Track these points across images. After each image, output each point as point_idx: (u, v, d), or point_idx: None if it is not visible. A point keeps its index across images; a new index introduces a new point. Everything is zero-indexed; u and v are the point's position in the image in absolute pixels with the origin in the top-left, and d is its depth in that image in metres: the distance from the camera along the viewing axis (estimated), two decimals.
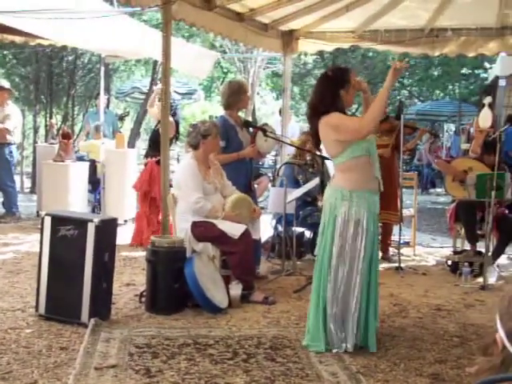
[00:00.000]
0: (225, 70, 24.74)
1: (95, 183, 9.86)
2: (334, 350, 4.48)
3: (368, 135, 4.46)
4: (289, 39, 9.39)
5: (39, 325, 4.90)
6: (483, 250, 6.85)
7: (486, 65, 20.38)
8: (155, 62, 18.49)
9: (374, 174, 4.54)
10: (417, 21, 8.75)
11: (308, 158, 7.83)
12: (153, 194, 7.85)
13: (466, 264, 6.83)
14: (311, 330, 4.59)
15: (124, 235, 8.03)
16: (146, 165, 8.18)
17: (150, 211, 7.95)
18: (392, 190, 7.29)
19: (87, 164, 9.98)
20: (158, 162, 7.68)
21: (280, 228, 7.51)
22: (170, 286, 5.33)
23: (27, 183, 12.33)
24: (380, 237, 7.68)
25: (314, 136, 4.71)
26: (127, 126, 20.83)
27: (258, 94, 25.01)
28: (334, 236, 4.47)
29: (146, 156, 8.28)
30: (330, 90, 4.53)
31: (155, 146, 7.86)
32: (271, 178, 11.28)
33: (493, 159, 7.00)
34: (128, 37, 8.43)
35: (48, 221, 5.00)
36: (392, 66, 4.45)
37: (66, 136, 9.87)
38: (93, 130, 10.53)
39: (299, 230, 7.49)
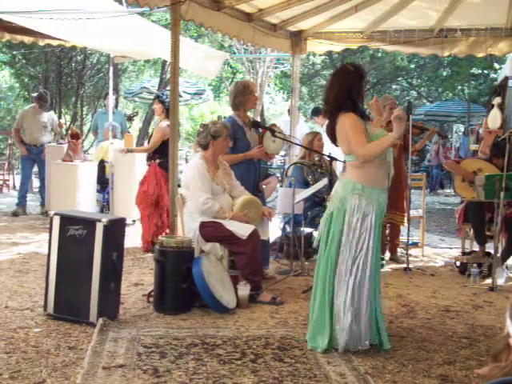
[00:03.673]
0: (234, 70, 24.76)
1: (104, 183, 9.89)
2: (340, 348, 4.48)
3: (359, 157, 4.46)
4: (297, 39, 9.40)
5: (48, 324, 4.92)
6: (492, 251, 6.82)
7: (496, 65, 20.31)
8: (164, 62, 18.56)
9: (388, 170, 4.55)
10: (426, 21, 8.74)
11: (316, 158, 7.83)
12: (154, 197, 7.77)
13: (475, 265, 6.81)
14: (313, 326, 4.57)
15: (132, 235, 8.05)
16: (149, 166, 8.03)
17: (155, 212, 7.80)
18: (399, 190, 7.28)
19: (96, 164, 10.01)
20: (159, 165, 7.71)
21: (288, 228, 7.51)
22: (178, 286, 5.34)
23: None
24: (388, 237, 7.70)
25: (331, 130, 4.63)
26: (136, 125, 20.90)
27: (267, 93, 25.02)
28: (342, 229, 4.47)
29: (149, 159, 8.11)
30: (355, 83, 4.56)
31: (154, 149, 7.89)
32: (280, 179, 11.28)
33: (501, 162, 6.97)
34: (137, 37, 8.44)
35: (57, 220, 5.02)
36: (392, 117, 4.42)
37: (75, 136, 9.91)
38: (104, 131, 10.55)
39: (307, 230, 7.49)
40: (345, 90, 4.53)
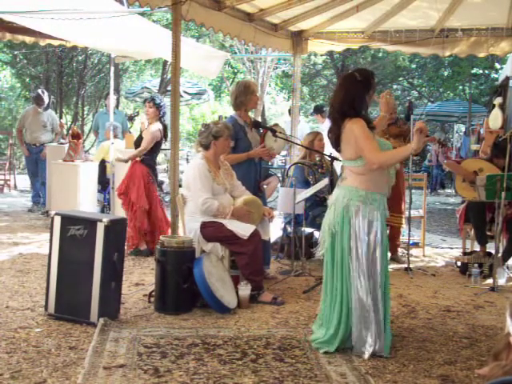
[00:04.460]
0: (234, 70, 24.76)
1: (104, 183, 9.89)
2: (357, 351, 4.47)
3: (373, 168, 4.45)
4: (298, 39, 9.40)
5: (48, 324, 4.92)
6: (493, 251, 6.82)
7: (497, 65, 20.31)
8: (165, 62, 18.55)
9: (389, 178, 4.56)
10: (427, 21, 8.74)
11: (317, 158, 7.83)
12: (132, 198, 7.55)
13: (476, 265, 6.81)
14: (327, 332, 4.55)
15: None
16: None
17: (130, 217, 7.51)
18: (396, 192, 7.27)
19: (96, 164, 10.01)
20: (141, 161, 7.62)
21: (289, 228, 7.51)
22: (178, 286, 5.34)
23: None
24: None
25: (335, 134, 4.63)
26: (137, 125, 20.87)
27: (268, 93, 25.01)
28: (350, 236, 4.47)
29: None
30: (360, 93, 4.54)
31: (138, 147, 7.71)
32: (280, 179, 11.28)
33: (502, 162, 6.96)
34: (138, 37, 8.44)
35: (57, 220, 5.02)
36: (415, 128, 4.41)
37: (76, 136, 9.90)
38: (106, 130, 10.53)
39: (308, 230, 7.49)
40: (349, 99, 4.53)
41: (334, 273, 4.55)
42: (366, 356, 4.41)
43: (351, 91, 4.56)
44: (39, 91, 11.28)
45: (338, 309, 4.53)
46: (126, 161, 7.83)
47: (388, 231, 7.58)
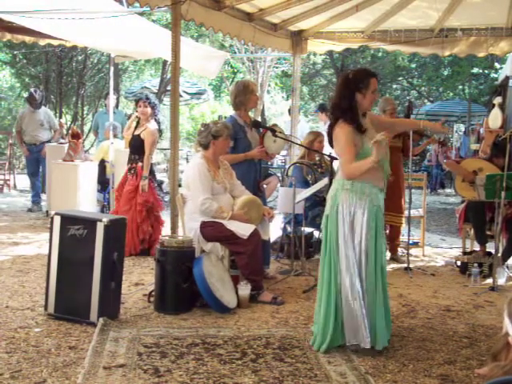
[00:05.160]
0: (234, 70, 24.74)
1: (104, 183, 9.88)
2: (349, 344, 4.48)
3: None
4: (298, 39, 9.41)
5: (48, 324, 4.92)
6: (493, 251, 6.82)
7: (496, 65, 20.30)
8: (164, 62, 18.53)
9: (383, 175, 4.55)
10: (426, 21, 8.74)
11: (317, 158, 7.83)
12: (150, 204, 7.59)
13: (476, 265, 6.81)
14: (321, 329, 4.55)
15: None
16: (131, 170, 7.69)
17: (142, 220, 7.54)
18: (396, 192, 7.27)
19: (96, 164, 10.01)
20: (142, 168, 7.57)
21: (289, 228, 7.51)
22: (178, 286, 5.34)
23: None
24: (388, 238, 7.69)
25: (330, 133, 4.66)
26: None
27: (267, 93, 24.99)
28: (337, 225, 4.48)
29: (130, 162, 7.74)
30: (347, 92, 4.53)
31: (136, 151, 7.63)
32: (280, 178, 11.28)
33: (502, 161, 6.96)
34: (138, 37, 8.44)
35: (57, 220, 5.02)
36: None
37: (76, 136, 9.90)
38: (106, 130, 10.52)
39: (308, 230, 7.49)
40: (339, 98, 4.56)
41: (324, 264, 4.56)
42: (367, 346, 4.42)
43: (341, 91, 4.58)
44: (32, 90, 11.34)
45: (325, 303, 4.54)
46: (150, 177, 7.65)
47: (388, 231, 7.62)
